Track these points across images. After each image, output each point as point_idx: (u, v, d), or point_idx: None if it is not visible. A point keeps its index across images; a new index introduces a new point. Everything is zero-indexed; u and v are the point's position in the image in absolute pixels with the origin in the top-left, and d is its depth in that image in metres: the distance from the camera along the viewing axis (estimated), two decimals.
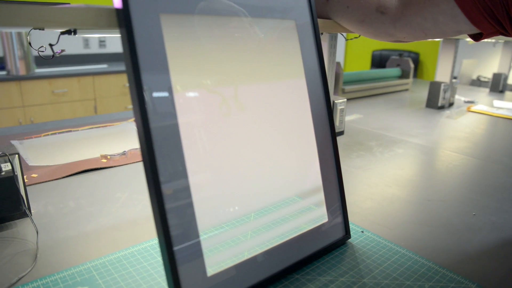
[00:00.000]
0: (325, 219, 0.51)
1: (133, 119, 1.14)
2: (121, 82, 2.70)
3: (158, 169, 0.36)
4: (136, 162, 0.82)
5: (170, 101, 0.38)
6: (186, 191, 0.38)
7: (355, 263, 0.49)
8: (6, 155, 0.53)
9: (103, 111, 2.65)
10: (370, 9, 0.56)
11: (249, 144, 0.45)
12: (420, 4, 0.53)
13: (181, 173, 0.38)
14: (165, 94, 0.37)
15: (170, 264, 0.36)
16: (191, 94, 0.40)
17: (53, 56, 0.50)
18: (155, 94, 0.37)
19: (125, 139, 0.96)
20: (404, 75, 1.93)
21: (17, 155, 0.55)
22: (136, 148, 0.87)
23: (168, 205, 0.37)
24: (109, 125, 1.07)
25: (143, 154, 0.36)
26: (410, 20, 0.54)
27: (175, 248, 0.37)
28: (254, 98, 0.45)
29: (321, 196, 0.51)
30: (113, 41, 3.02)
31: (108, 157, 0.82)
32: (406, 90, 1.92)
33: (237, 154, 0.43)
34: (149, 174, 0.36)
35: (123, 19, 0.35)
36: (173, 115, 0.38)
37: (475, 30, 0.52)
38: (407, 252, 0.52)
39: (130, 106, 2.75)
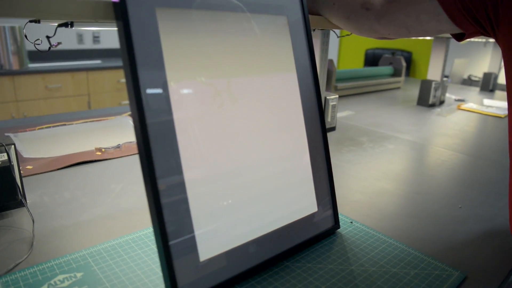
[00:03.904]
0: (314, 209, 0.52)
1: (128, 113, 1.15)
2: (115, 78, 2.69)
3: (154, 164, 0.37)
4: (131, 155, 0.83)
5: (165, 94, 0.39)
6: (181, 185, 0.40)
7: (344, 251, 0.50)
8: (2, 145, 0.54)
9: (96, 107, 2.65)
10: (356, 5, 0.57)
11: (241, 137, 0.46)
12: (404, 1, 0.54)
13: (176, 167, 0.39)
14: (161, 86, 0.39)
15: (166, 256, 0.38)
16: (186, 85, 0.41)
17: (49, 48, 0.51)
18: (151, 87, 0.38)
19: (119, 132, 0.97)
20: (396, 73, 1.95)
21: (13, 146, 0.56)
22: (131, 142, 0.88)
23: (164, 200, 0.38)
24: (104, 119, 1.07)
25: (140, 149, 0.37)
26: (394, 17, 0.56)
27: (171, 242, 0.38)
28: (246, 91, 0.47)
29: (311, 187, 0.53)
30: (107, 36, 3.01)
31: (103, 150, 0.83)
32: (398, 88, 1.94)
33: (230, 146, 0.45)
34: (145, 169, 0.37)
35: (119, 12, 0.36)
36: (168, 109, 0.39)
37: (457, 30, 0.54)
38: (394, 241, 0.53)
39: (125, 102, 2.75)
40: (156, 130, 0.38)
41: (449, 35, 0.68)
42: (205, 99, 0.43)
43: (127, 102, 2.72)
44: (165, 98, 0.39)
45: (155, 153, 0.38)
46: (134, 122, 0.37)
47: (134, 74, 0.37)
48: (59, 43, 0.54)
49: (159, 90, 0.39)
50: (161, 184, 0.38)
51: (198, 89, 0.42)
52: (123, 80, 2.74)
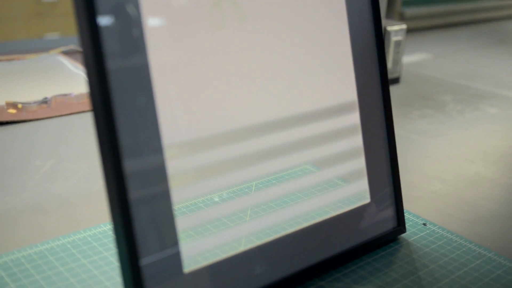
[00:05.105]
0: (365, 200, 0.54)
1: (60, 49, 1.15)
2: None
3: (118, 134, 0.38)
4: (65, 115, 0.84)
5: (135, 17, 0.39)
6: (160, 169, 0.40)
7: (412, 268, 0.51)
8: None
9: (3, 40, 2.64)
10: None
11: (252, 80, 0.47)
12: None
13: (153, 139, 0.40)
14: (129, 4, 0.38)
15: (134, 283, 0.38)
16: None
17: None
18: (113, 8, 0.37)
19: (46, 80, 0.99)
20: None
21: None
22: (65, 95, 0.90)
23: (134, 194, 0.39)
24: (19, 59, 1.09)
25: (96, 110, 0.37)
26: None
27: (143, 261, 0.39)
28: (263, 2, 0.47)
29: (360, 166, 0.54)
30: None
31: (19, 106, 0.85)
32: (509, 17, 1.91)
33: (235, 99, 0.45)
34: (104, 142, 0.37)
35: None
36: (141, 43, 0.39)
37: None
38: (496, 256, 0.54)
39: (51, 33, 2.74)
40: (122, 78, 0.38)
41: None
42: (195, 16, 0.43)
43: (54, 33, 2.71)
44: (136, 23, 0.39)
45: (120, 115, 0.38)
46: (86, 66, 0.37)
47: None
48: None
49: (125, 12, 0.39)
50: (129, 167, 0.38)
51: (186, 2, 0.42)
52: None
